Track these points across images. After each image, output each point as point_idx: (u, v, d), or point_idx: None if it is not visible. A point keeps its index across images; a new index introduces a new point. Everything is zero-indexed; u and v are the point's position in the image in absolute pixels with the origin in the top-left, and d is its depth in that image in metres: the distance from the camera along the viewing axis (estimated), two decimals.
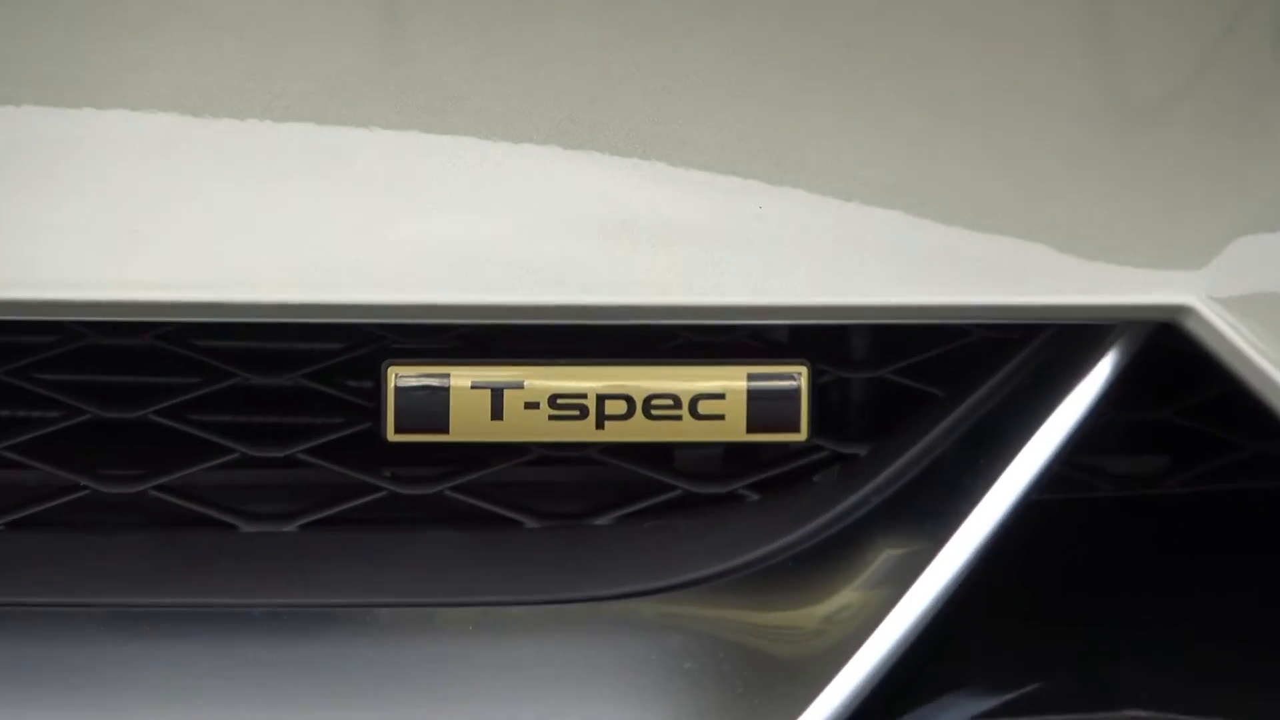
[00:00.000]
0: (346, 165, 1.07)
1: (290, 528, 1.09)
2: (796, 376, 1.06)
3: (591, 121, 1.10)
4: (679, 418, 1.06)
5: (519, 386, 1.06)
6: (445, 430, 1.03)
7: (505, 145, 1.10)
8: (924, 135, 1.14)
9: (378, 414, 1.04)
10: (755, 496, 1.10)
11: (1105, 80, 1.24)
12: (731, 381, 1.07)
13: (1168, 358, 1.13)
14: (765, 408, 1.07)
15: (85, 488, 1.07)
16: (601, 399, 1.07)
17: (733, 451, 1.12)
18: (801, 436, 1.04)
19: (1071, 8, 1.25)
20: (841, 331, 1.14)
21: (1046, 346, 1.12)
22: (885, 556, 1.10)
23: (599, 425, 1.06)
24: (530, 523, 1.08)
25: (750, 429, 1.05)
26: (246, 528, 1.09)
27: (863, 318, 1.10)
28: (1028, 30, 1.21)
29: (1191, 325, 1.09)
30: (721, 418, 1.06)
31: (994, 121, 1.15)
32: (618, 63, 1.15)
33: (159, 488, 1.07)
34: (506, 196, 1.07)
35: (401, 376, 1.05)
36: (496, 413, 1.06)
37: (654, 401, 1.07)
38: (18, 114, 1.14)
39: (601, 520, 1.09)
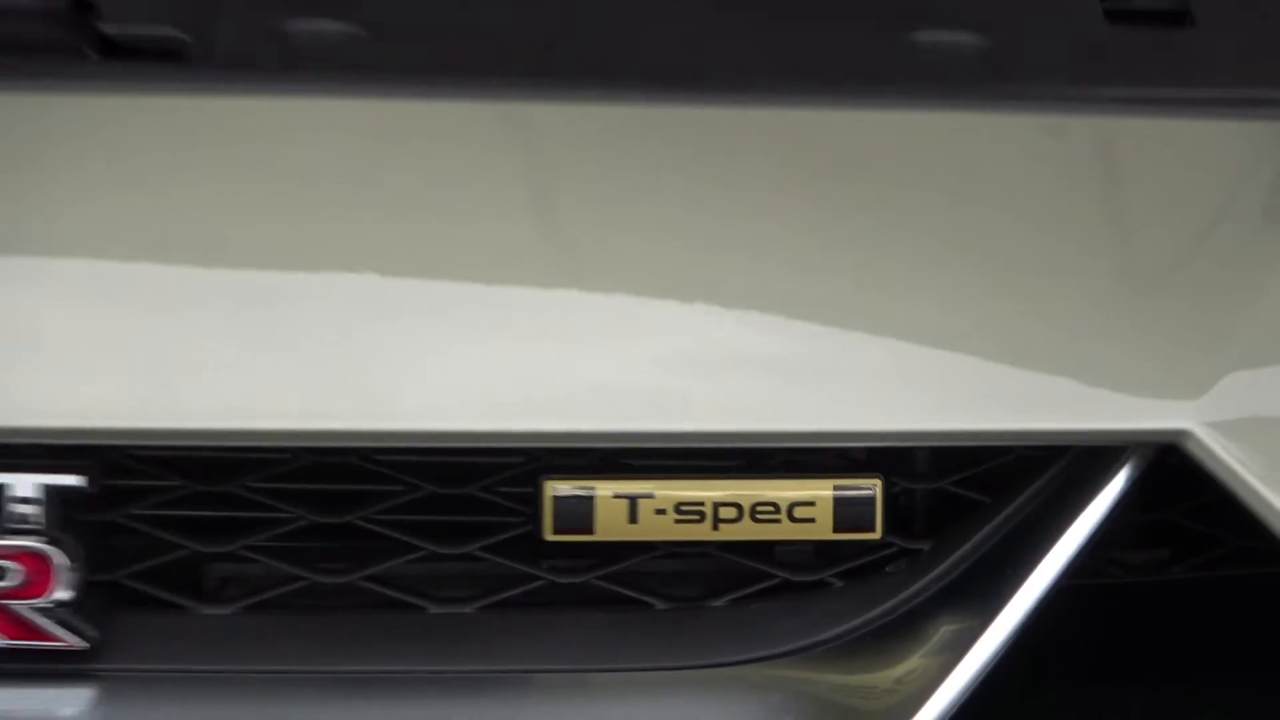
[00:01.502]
0: (520, 319, 1.24)
1: (470, 609, 1.24)
2: (872, 488, 1.21)
3: (706, 280, 1.27)
4: (778, 520, 1.21)
5: (650, 496, 1.21)
6: (591, 531, 1.19)
7: (639, 302, 1.27)
8: (972, 294, 1.29)
9: (537, 518, 1.19)
10: (840, 583, 1.24)
11: (1120, 249, 1.38)
12: (821, 491, 1.21)
13: (1178, 466, 1.25)
14: (848, 513, 1.22)
15: (305, 579, 1.19)
16: (717, 506, 1.22)
17: (821, 547, 1.26)
18: (876, 535, 1.21)
19: (1089, 196, 1.41)
20: (907, 449, 1.28)
21: (1074, 462, 1.26)
22: (944, 631, 1.24)
23: (714, 527, 1.21)
24: (660, 605, 1.23)
25: (836, 529, 1.20)
26: (435, 609, 1.24)
27: (922, 441, 1.25)
28: (1052, 213, 1.37)
29: (1190, 447, 1.24)
30: (813, 520, 1.21)
31: (1028, 283, 1.31)
32: (723, 238, 1.30)
33: (366, 577, 1.22)
34: (641, 344, 1.25)
35: (557, 489, 1.19)
36: (632, 518, 1.20)
37: (759, 508, 1.21)
38: (246, 266, 1.27)
39: (717, 602, 1.25)
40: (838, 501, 1.22)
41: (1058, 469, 1.27)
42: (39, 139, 1.34)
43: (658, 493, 1.22)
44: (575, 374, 1.24)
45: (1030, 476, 1.27)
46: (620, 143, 1.39)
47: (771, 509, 1.22)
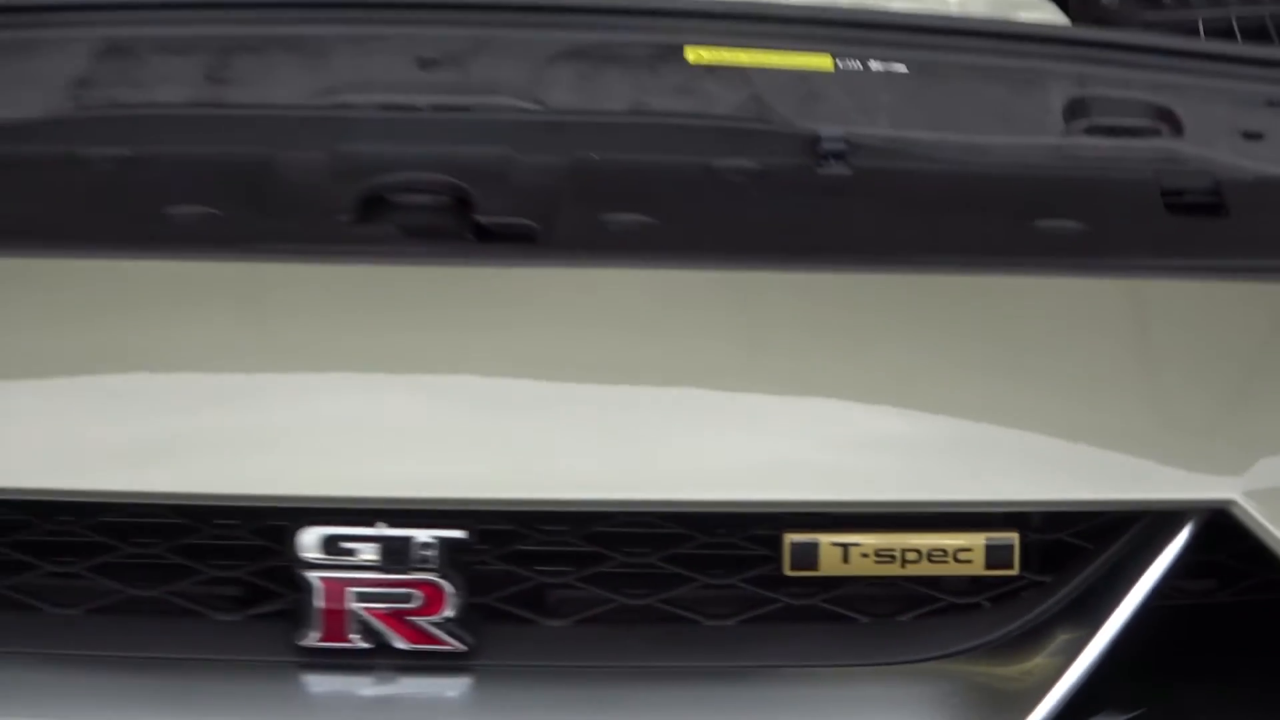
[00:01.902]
0: (772, 417, 1.55)
1: (732, 623, 1.49)
2: (1011, 540, 1.47)
3: (890, 392, 1.56)
4: (946, 561, 1.47)
5: (857, 544, 1.46)
6: (816, 569, 1.46)
7: (825, 400, 1.57)
8: (1072, 402, 1.57)
9: (779, 560, 1.45)
10: (988, 605, 1.50)
11: (1178, 360, 1.63)
12: (977, 541, 1.47)
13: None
14: (995, 557, 1.47)
15: (617, 601, 1.51)
16: (904, 551, 1.46)
17: (975, 579, 1.50)
18: (1014, 572, 1.47)
19: (1158, 331, 1.66)
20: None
21: (1152, 520, 1.49)
22: (1060, 639, 1.49)
23: (902, 565, 1.46)
24: (864, 620, 1.48)
25: (986, 568, 1.47)
26: (707, 623, 1.50)
27: (1041, 508, 1.50)
28: (1132, 342, 1.65)
29: (1235, 513, 1.48)
30: (970, 561, 1.47)
31: (1105, 387, 1.58)
32: (900, 361, 1.59)
33: (661, 600, 1.51)
34: (853, 436, 1.54)
35: (794, 539, 1.45)
36: (845, 559, 1.45)
37: (933, 552, 1.47)
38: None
39: (904, 618, 1.50)
40: (988, 549, 1.48)
41: (1140, 525, 1.50)
42: (433, 298, 1.61)
43: (862, 541, 1.47)
44: (812, 456, 1.52)
45: (1121, 530, 1.50)
46: (829, 304, 1.65)
47: (941, 553, 1.47)
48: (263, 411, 1.51)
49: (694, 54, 1.86)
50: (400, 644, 1.43)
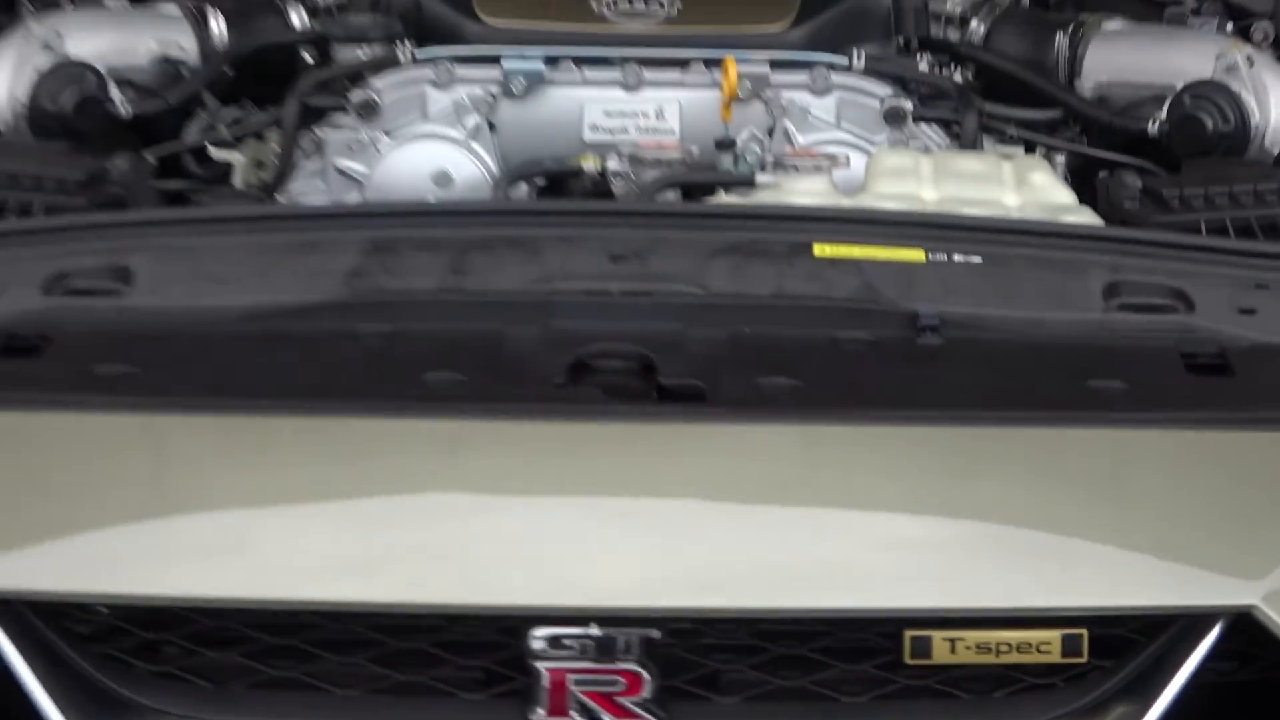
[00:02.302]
0: (876, 535, 1.73)
1: (864, 699, 1.68)
2: (1081, 635, 1.65)
3: (968, 522, 1.77)
4: (1031, 651, 1.65)
5: (961, 638, 1.65)
6: (930, 658, 1.65)
7: (935, 525, 1.77)
8: (1129, 522, 1.75)
9: (899, 650, 1.65)
10: (1063, 684, 1.66)
11: (1208, 493, 1.82)
12: (1054, 636, 1.65)
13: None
14: (1068, 647, 1.65)
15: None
16: (997, 643, 1.65)
17: (1052, 665, 1.67)
18: (1084, 659, 1.64)
19: (1187, 467, 1.83)
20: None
21: (1190, 620, 1.66)
22: (1120, 711, 1.67)
23: (996, 655, 1.64)
24: (966, 697, 1.68)
25: (1062, 656, 1.65)
26: (846, 700, 1.68)
27: (1104, 612, 1.68)
28: (1166, 473, 1.84)
29: (1257, 616, 1.62)
30: (1049, 652, 1.64)
31: (1152, 514, 1.79)
32: (974, 494, 1.78)
33: (813, 682, 1.68)
34: (941, 548, 1.73)
35: (912, 634, 1.65)
36: (952, 650, 1.65)
37: (1021, 645, 1.65)
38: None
39: (998, 694, 1.67)
40: (1063, 641, 1.64)
41: (1181, 623, 1.66)
42: (629, 446, 1.79)
43: (966, 636, 1.63)
44: (928, 569, 1.69)
45: (1167, 627, 1.65)
46: (934, 451, 1.82)
47: (1028, 645, 1.64)
48: (505, 541, 1.68)
49: (820, 249, 1.98)
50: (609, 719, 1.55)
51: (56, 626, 1.64)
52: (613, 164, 2.32)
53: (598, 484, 1.74)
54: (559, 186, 2.32)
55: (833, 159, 2.24)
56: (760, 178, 2.23)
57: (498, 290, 1.93)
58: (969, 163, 2.25)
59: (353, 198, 2.31)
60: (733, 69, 2.31)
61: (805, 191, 2.19)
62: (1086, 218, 2.16)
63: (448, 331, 1.89)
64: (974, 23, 2.65)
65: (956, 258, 2.00)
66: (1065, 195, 2.20)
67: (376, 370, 1.83)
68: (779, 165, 2.25)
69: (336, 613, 1.65)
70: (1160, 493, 1.82)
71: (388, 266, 1.94)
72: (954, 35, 2.60)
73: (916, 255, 2.00)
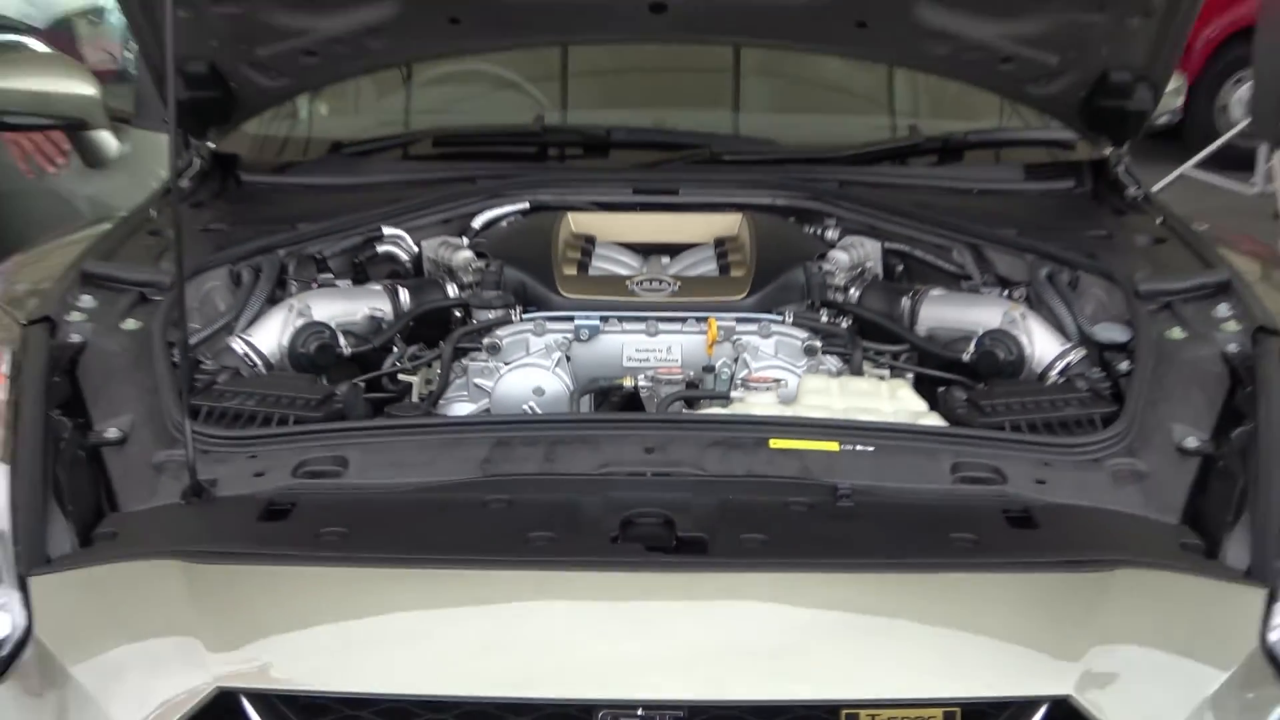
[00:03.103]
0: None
1: None
2: (955, 713, 1.52)
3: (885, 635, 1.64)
4: None
5: (877, 716, 1.51)
6: None
7: (857, 641, 1.62)
8: (980, 633, 1.63)
9: None
10: None
11: (1036, 611, 1.64)
12: (938, 713, 1.52)
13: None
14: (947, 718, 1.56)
15: None
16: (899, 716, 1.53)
17: None
18: None
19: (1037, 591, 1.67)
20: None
21: (1022, 704, 1.53)
22: None
23: None
24: None
25: None
26: None
27: (964, 699, 1.54)
28: (1005, 594, 1.67)
29: (1073, 703, 1.53)
30: None
31: (996, 627, 1.62)
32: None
33: None
34: (864, 657, 1.59)
35: (846, 712, 1.51)
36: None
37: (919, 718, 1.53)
38: None
39: None
40: (944, 716, 1.53)
41: (1016, 706, 1.54)
42: (660, 582, 1.66)
43: (882, 713, 1.53)
44: (856, 672, 1.58)
45: (1008, 708, 1.55)
46: (857, 588, 1.67)
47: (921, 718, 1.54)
48: (580, 653, 1.59)
49: (773, 443, 1.90)
50: None
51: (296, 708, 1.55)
52: (642, 382, 2.29)
53: (638, 609, 1.64)
54: (608, 395, 2.27)
55: (776, 382, 2.17)
56: (733, 394, 2.19)
57: (574, 473, 1.84)
58: (860, 384, 2.16)
59: (483, 403, 2.27)
60: (713, 326, 2.32)
61: (760, 403, 2.13)
62: (935, 419, 2.08)
63: (543, 501, 1.80)
64: (851, 290, 2.53)
65: (858, 447, 1.90)
66: (921, 404, 2.12)
67: (498, 530, 1.75)
68: (744, 385, 2.18)
69: (470, 701, 1.54)
70: (1003, 616, 1.67)
71: (505, 456, 1.87)
72: (840, 296, 2.51)
73: (833, 446, 1.90)
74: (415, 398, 2.29)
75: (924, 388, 2.24)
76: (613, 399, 2.23)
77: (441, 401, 2.25)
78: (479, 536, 1.73)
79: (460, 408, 2.26)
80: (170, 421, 1.92)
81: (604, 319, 2.31)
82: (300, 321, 2.30)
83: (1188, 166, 7.85)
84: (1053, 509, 1.80)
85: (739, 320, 2.30)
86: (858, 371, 2.26)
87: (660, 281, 2.40)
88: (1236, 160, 8.28)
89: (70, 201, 3.92)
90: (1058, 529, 1.77)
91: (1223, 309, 2.20)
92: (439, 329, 2.42)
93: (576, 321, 2.30)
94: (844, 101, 3.47)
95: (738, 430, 1.93)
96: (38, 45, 4.20)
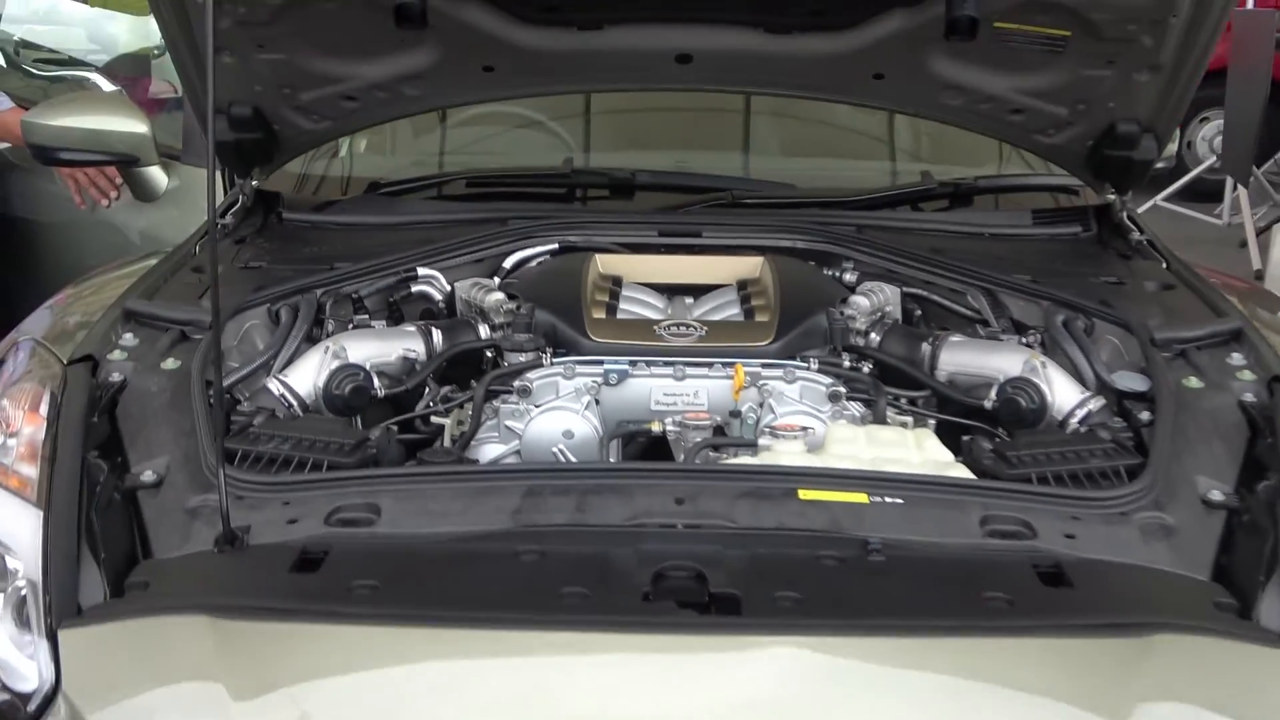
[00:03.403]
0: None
1: None
2: None
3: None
4: None
5: None
6: None
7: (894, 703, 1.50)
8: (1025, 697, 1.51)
9: None
10: None
11: (1072, 672, 1.52)
12: None
13: None
14: None
15: None
16: None
17: None
18: None
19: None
20: None
21: None
22: None
23: None
24: None
25: None
26: None
27: None
28: (1038, 657, 1.53)
29: None
30: None
31: (1034, 684, 1.51)
32: None
33: None
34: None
35: None
36: None
37: None
38: None
39: None
40: None
41: None
42: (693, 644, 1.53)
43: None
44: None
45: None
46: (888, 650, 1.54)
47: None
48: (605, 711, 1.48)
49: (802, 494, 1.77)
50: None
51: None
52: (670, 426, 2.13)
53: (672, 677, 1.49)
54: (636, 439, 2.12)
55: (804, 429, 2.00)
56: (760, 441, 2.02)
57: (605, 524, 1.70)
58: (886, 433, 2.00)
59: (514, 444, 2.11)
60: (740, 372, 2.16)
61: (788, 452, 1.96)
62: (962, 471, 1.91)
63: (574, 553, 1.66)
64: (872, 334, 2.39)
65: (887, 499, 1.76)
66: (947, 454, 1.95)
67: (531, 584, 1.60)
68: (771, 432, 2.01)
69: None
70: (1042, 680, 1.52)
71: (537, 506, 1.73)
72: (861, 341, 2.37)
73: (862, 498, 1.76)
74: (447, 439, 2.16)
75: (945, 434, 2.09)
76: (640, 442, 2.09)
77: (473, 443, 2.11)
78: (511, 591, 1.59)
79: (491, 449, 2.12)
80: (206, 465, 1.81)
81: (632, 363, 2.16)
82: (336, 363, 2.17)
83: (1160, 198, 7.83)
84: (1085, 565, 1.66)
85: (764, 366, 2.16)
86: (881, 418, 2.12)
87: (687, 326, 2.25)
88: (1203, 193, 8.30)
89: (123, 233, 3.85)
90: (1092, 588, 1.63)
91: (1236, 357, 2.09)
92: (471, 369, 2.31)
93: (605, 366, 2.15)
94: (850, 144, 3.38)
95: (767, 481, 1.79)
96: (100, 80, 4.11)
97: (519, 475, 1.84)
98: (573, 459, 2.07)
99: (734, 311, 2.49)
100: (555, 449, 2.09)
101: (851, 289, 2.51)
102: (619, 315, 2.42)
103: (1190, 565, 1.71)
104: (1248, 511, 1.77)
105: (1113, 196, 2.97)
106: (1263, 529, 1.71)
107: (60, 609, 1.57)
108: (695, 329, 2.31)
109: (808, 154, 3.39)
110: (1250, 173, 6.96)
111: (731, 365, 2.14)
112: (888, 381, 2.25)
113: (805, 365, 2.16)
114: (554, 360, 2.18)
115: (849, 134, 3.19)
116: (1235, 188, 7.71)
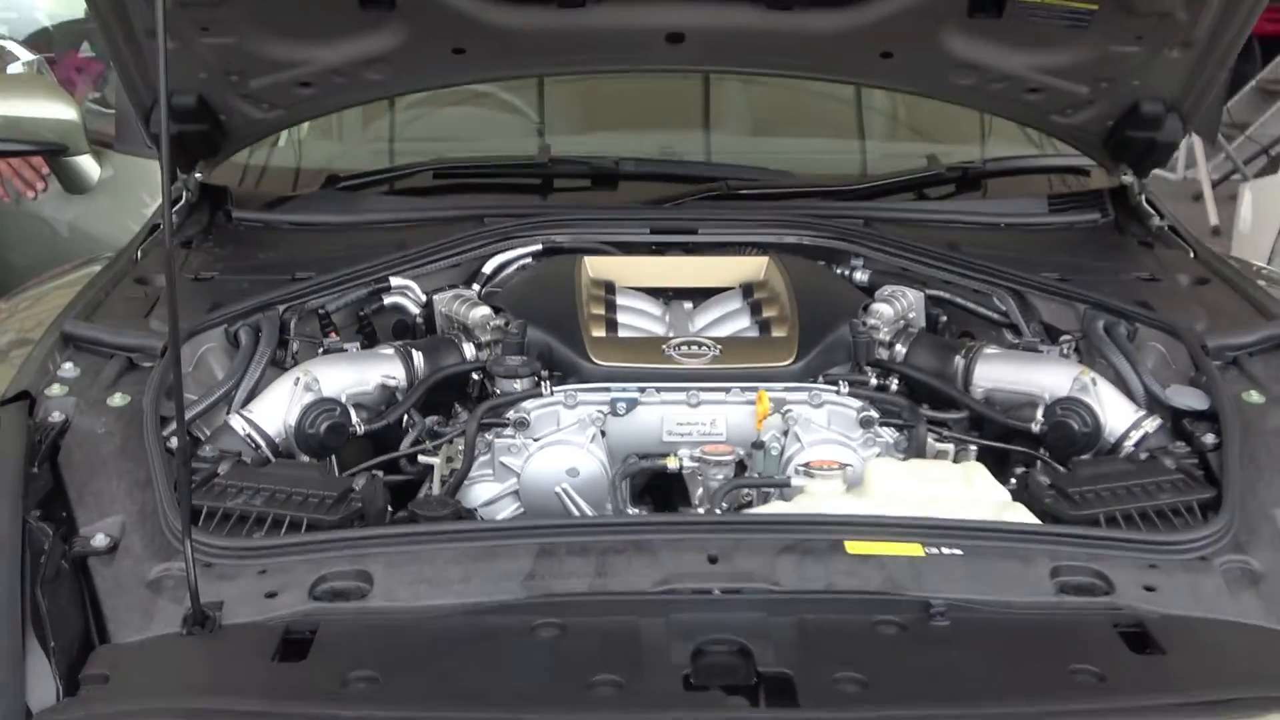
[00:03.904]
0: None
1: None
2: None
3: None
4: None
5: None
6: None
7: None
8: None
9: None
10: None
11: None
12: None
13: None
14: None
15: None
16: None
17: None
18: None
19: None
20: None
21: None
22: None
23: None
24: None
25: None
26: None
27: None
28: None
29: None
30: None
31: None
32: None
33: None
34: None
35: None
36: None
37: None
38: None
39: None
40: None
41: None
42: None
43: None
44: None
45: None
46: None
47: None
48: None
49: (850, 546, 1.60)
50: None
51: None
52: (686, 462, 1.95)
53: None
54: (650, 478, 1.99)
55: (842, 467, 1.82)
56: (794, 479, 1.83)
57: (631, 591, 1.52)
58: (932, 469, 1.82)
59: (511, 483, 1.95)
60: (764, 400, 1.98)
61: (826, 492, 1.78)
62: (1022, 512, 1.75)
63: (599, 627, 1.47)
64: (898, 346, 2.22)
65: (945, 550, 1.59)
66: (1003, 493, 1.78)
67: (553, 671, 1.42)
68: (806, 471, 1.83)
69: None
70: None
71: (551, 570, 1.54)
72: (885, 353, 2.22)
73: (917, 550, 1.58)
74: (437, 480, 1.98)
75: (986, 459, 1.97)
76: (654, 479, 1.96)
77: (466, 483, 1.95)
78: (532, 680, 1.41)
79: (485, 488, 1.97)
80: (167, 527, 1.61)
81: (641, 389, 1.98)
82: (308, 397, 1.97)
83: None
84: (1172, 624, 1.51)
85: (788, 389, 1.99)
86: (921, 448, 1.98)
87: (700, 345, 2.06)
88: None
89: (51, 226, 3.63)
90: (1186, 652, 1.48)
91: None
92: (456, 392, 2.13)
93: (612, 394, 1.97)
94: (824, 111, 3.17)
95: (810, 532, 1.62)
96: (15, 48, 3.84)
97: (527, 532, 1.66)
98: (579, 500, 1.99)
99: (745, 324, 2.25)
100: (559, 489, 1.93)
101: (866, 290, 2.35)
102: (618, 317, 2.25)
103: None
104: None
105: (1130, 179, 2.84)
106: None
107: (5, 715, 1.37)
108: (708, 348, 2.10)
109: (782, 128, 3.21)
110: (1217, 132, 6.88)
111: (752, 389, 1.97)
112: (917, 398, 2.09)
113: (834, 389, 1.99)
114: (554, 390, 1.99)
115: (822, 100, 3.06)
116: (1190, 139, 7.66)
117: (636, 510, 2.02)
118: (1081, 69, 2.52)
